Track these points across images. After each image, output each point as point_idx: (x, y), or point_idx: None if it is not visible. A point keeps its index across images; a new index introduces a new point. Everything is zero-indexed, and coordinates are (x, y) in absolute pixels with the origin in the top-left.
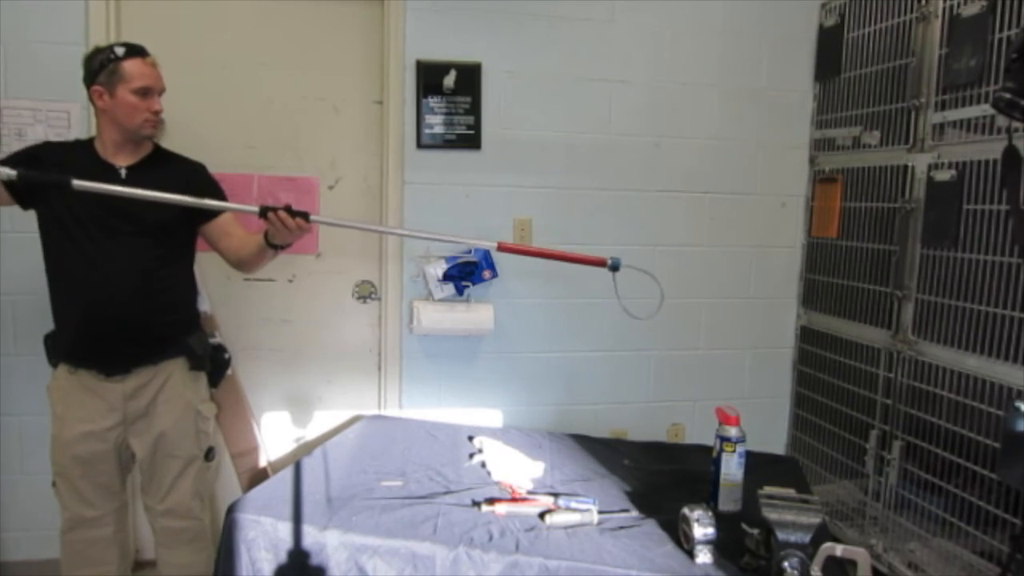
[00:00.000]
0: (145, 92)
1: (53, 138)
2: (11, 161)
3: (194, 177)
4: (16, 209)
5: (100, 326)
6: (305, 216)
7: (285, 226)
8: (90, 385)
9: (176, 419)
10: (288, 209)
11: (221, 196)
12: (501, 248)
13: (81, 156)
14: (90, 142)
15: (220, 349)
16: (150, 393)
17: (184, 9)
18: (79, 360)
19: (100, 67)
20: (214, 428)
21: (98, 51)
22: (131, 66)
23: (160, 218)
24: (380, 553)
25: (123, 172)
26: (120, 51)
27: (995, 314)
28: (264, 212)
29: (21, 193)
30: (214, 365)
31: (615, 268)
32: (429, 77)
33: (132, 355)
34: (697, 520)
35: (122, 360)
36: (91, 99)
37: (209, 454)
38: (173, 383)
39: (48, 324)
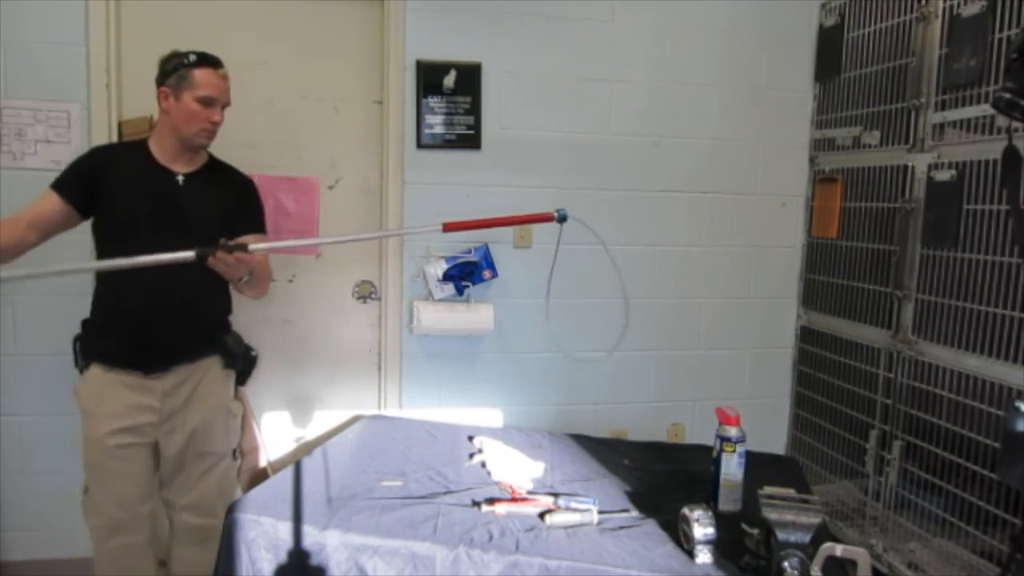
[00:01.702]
0: (208, 102)
1: (53, 138)
2: (67, 183)
3: (243, 191)
4: (14, 207)
5: (146, 326)
6: (243, 248)
7: (226, 264)
8: (127, 382)
9: (209, 416)
10: (223, 246)
11: (262, 214)
12: (447, 228)
13: (134, 158)
14: (141, 144)
15: (249, 348)
16: (187, 390)
17: (184, 9)
18: (118, 360)
19: (172, 70)
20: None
21: (174, 55)
22: (200, 74)
23: (206, 224)
24: (380, 553)
25: (181, 178)
26: (192, 58)
27: (995, 314)
28: (202, 258)
29: (81, 205)
30: (245, 364)
31: (563, 220)
32: (429, 77)
33: (173, 354)
34: (697, 520)
35: (163, 359)
36: (157, 99)
37: (235, 452)
38: (208, 380)
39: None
